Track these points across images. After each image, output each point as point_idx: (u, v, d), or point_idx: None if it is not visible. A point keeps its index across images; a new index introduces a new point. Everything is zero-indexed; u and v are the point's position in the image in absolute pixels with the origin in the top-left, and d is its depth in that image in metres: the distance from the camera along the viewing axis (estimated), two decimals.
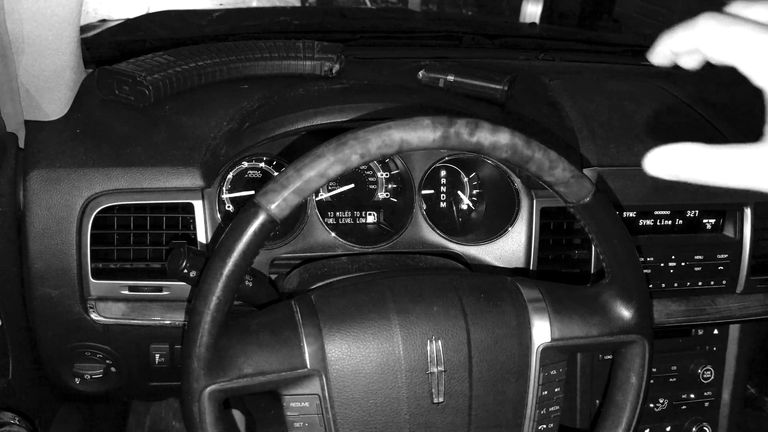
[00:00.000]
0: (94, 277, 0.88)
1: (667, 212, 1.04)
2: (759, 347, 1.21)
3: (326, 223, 0.97)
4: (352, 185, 1.01)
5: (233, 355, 0.65)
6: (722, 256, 1.04)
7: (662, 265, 1.02)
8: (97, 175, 0.87)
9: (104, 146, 0.89)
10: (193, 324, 0.63)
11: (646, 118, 1.07)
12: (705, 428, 1.13)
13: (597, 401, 1.07)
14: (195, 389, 0.64)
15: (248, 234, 0.61)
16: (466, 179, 1.05)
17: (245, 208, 0.61)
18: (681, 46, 0.45)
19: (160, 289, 0.89)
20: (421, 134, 0.61)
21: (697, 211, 1.05)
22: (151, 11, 1.43)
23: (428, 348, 0.69)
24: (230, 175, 0.95)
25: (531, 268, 0.97)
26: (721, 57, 0.43)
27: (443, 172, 1.04)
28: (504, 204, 0.99)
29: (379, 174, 1.01)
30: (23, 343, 0.92)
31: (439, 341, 0.69)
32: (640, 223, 1.03)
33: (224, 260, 0.61)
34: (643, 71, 1.26)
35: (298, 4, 2.50)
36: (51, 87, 0.88)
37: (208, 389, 0.64)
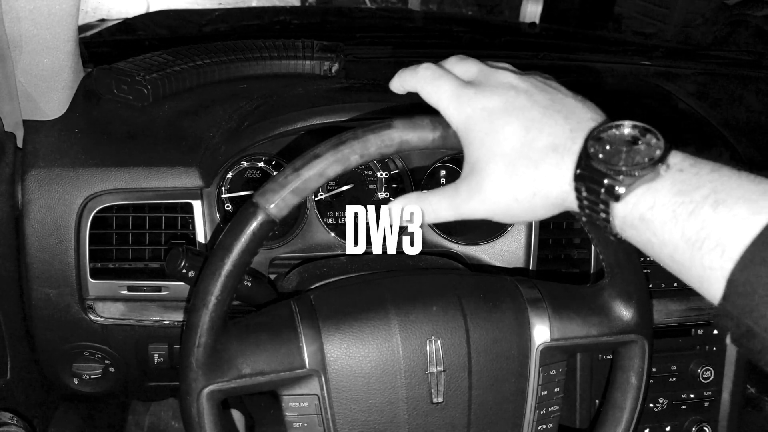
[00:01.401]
0: (92, 277, 0.88)
1: None
2: None
3: (325, 223, 0.96)
4: (352, 185, 1.00)
5: (232, 356, 0.65)
6: None
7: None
8: (96, 174, 0.87)
9: (103, 146, 0.89)
10: (191, 324, 0.63)
11: (646, 118, 1.07)
12: (705, 428, 1.13)
13: (597, 401, 1.07)
14: (193, 389, 0.63)
15: (247, 234, 0.60)
16: None
17: (244, 208, 0.61)
18: (407, 85, 0.59)
19: (158, 289, 0.89)
20: (420, 134, 0.61)
21: None
22: (150, 10, 1.43)
23: (427, 348, 0.69)
24: (229, 175, 0.95)
25: (531, 267, 0.97)
26: (429, 101, 0.57)
27: (443, 172, 1.04)
28: None
29: (378, 174, 1.01)
30: (21, 343, 0.92)
31: (439, 341, 0.69)
32: None
33: (222, 260, 0.61)
34: (643, 71, 1.26)
35: (297, 3, 2.50)
36: (49, 86, 0.87)
37: (207, 389, 0.63)
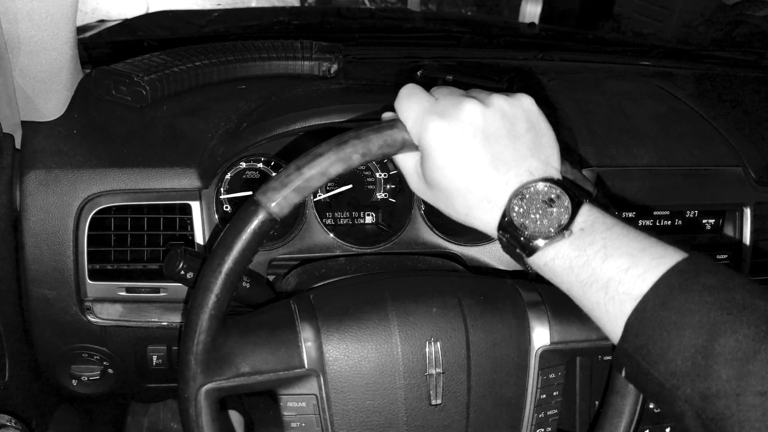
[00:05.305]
0: (91, 279, 0.88)
1: (667, 212, 1.03)
2: None
3: (324, 224, 0.96)
4: (350, 186, 1.00)
5: (230, 354, 0.64)
6: (722, 256, 1.04)
7: None
8: (94, 176, 0.86)
9: (101, 147, 0.89)
10: (190, 321, 0.62)
11: (646, 118, 1.07)
12: None
13: (596, 403, 1.07)
14: (192, 388, 0.63)
15: (248, 232, 0.60)
16: None
17: (245, 206, 0.61)
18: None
19: (157, 290, 0.89)
20: None
21: (696, 211, 1.05)
22: (150, 11, 1.43)
23: (427, 349, 0.68)
24: (228, 176, 0.95)
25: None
26: (400, 118, 0.61)
27: None
28: None
29: (377, 174, 1.01)
30: (20, 345, 0.92)
31: (438, 343, 0.69)
32: (640, 223, 1.02)
33: (223, 258, 0.61)
34: (643, 71, 1.25)
35: (296, 3, 2.50)
36: (48, 87, 0.87)
37: (205, 388, 0.63)
